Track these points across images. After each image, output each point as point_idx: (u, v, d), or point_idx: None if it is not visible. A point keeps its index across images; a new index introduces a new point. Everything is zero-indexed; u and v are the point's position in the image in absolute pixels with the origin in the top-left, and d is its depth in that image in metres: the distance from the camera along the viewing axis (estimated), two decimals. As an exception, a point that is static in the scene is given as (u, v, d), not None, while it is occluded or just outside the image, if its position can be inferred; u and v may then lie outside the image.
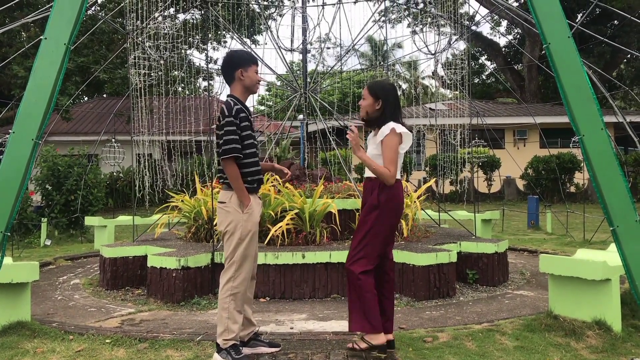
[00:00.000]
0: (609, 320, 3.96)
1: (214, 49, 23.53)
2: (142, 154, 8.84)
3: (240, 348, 3.47)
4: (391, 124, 3.56)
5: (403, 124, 3.63)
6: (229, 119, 3.43)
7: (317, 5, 8.84)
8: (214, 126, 3.70)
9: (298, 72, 9.59)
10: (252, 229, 3.50)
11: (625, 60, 27.81)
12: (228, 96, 3.61)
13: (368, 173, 3.67)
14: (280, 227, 6.03)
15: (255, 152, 3.58)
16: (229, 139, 3.40)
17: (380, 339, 3.55)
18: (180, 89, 12.04)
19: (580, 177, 18.69)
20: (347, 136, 3.56)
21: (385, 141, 3.53)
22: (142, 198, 8.64)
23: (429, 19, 9.50)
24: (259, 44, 18.78)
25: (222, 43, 22.63)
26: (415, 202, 6.92)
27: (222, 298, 3.44)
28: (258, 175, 3.60)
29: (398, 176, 3.63)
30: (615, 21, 25.09)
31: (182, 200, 7.03)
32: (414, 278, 5.55)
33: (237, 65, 3.55)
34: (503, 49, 30.82)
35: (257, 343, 3.69)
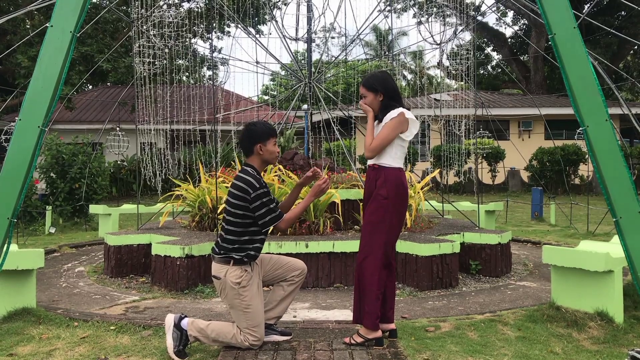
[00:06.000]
0: (611, 311, 3.97)
1: (218, 38, 23.50)
2: (146, 143, 8.86)
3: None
4: (401, 109, 3.55)
5: (408, 109, 3.62)
6: (261, 191, 3.46)
7: (322, -6, 8.81)
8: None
9: (302, 61, 9.55)
10: (253, 297, 3.50)
11: (632, 52, 27.62)
12: (246, 165, 3.60)
13: (371, 161, 3.66)
14: (284, 216, 6.03)
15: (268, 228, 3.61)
16: (267, 209, 3.47)
17: (376, 332, 3.55)
18: (184, 77, 12.02)
19: (585, 169, 18.64)
20: (361, 105, 3.65)
21: (388, 121, 3.53)
22: (145, 186, 8.65)
23: (435, 9, 9.44)
24: (263, 34, 18.74)
25: (226, 33, 22.59)
26: (419, 192, 6.93)
27: (239, 334, 3.47)
28: (261, 246, 3.65)
29: (401, 165, 3.62)
30: (623, 12, 24.89)
31: (186, 190, 7.05)
32: (416, 268, 5.56)
33: (256, 140, 3.57)
34: (509, 40, 30.65)
35: (269, 332, 3.70)
